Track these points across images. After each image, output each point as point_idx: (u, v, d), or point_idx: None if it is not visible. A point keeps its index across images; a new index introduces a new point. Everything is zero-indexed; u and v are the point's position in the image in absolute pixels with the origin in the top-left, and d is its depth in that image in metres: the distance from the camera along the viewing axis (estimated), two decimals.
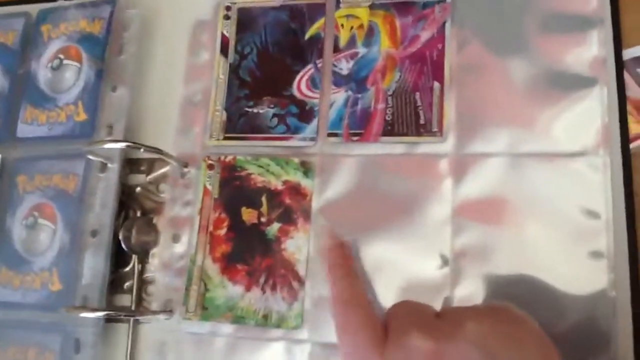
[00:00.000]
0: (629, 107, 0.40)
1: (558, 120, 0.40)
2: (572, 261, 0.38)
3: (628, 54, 0.41)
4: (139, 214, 0.46)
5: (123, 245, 0.44)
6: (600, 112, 0.39)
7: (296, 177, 0.43)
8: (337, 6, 0.46)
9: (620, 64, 0.40)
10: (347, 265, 0.38)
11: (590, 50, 0.41)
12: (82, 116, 0.48)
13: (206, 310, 0.42)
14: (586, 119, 0.40)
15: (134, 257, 0.44)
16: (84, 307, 0.42)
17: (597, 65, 0.40)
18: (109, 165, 0.46)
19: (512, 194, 0.40)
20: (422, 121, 0.42)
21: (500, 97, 0.41)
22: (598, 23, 0.41)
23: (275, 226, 0.43)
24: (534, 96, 0.41)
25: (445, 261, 0.40)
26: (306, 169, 0.43)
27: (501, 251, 0.39)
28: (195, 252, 0.44)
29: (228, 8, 0.48)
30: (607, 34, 0.41)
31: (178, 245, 0.44)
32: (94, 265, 0.43)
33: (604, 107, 0.39)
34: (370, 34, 0.45)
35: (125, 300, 0.44)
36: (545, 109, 0.40)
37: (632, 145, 0.39)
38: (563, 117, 0.40)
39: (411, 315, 0.33)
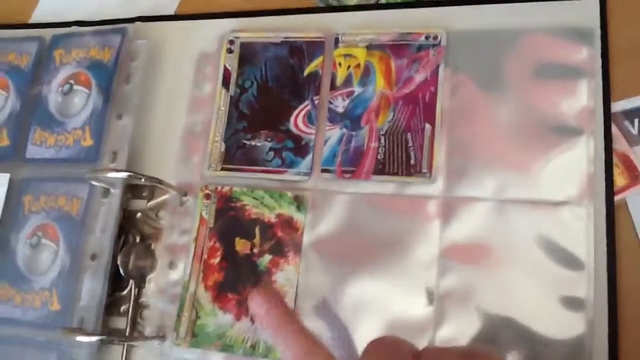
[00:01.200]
0: (615, 159, 0.40)
1: (545, 167, 0.40)
2: (552, 308, 0.38)
3: (616, 106, 0.41)
4: (138, 239, 0.47)
5: (120, 270, 0.45)
6: (586, 162, 0.40)
7: (289, 210, 0.44)
8: (336, 45, 0.47)
9: (608, 116, 0.40)
10: (295, 320, 0.33)
11: (580, 100, 0.41)
12: (89, 141, 0.49)
13: (196, 337, 0.43)
14: (572, 168, 0.40)
15: (131, 282, 0.45)
16: (80, 330, 0.43)
17: (585, 116, 0.40)
18: (112, 190, 0.47)
19: (497, 239, 0.40)
20: (412, 162, 0.43)
21: (490, 141, 0.42)
22: (588, 74, 0.41)
23: (267, 258, 0.44)
24: (522, 142, 0.41)
25: (430, 301, 0.40)
26: (299, 203, 0.44)
27: (485, 294, 0.39)
28: (188, 280, 0.44)
29: (231, 42, 0.49)
30: (597, 85, 0.41)
31: (174, 272, 0.45)
32: (91, 288, 0.44)
33: (590, 157, 0.40)
34: (367, 73, 0.45)
35: (121, 322, 0.45)
36: (533, 156, 0.41)
37: (616, 198, 0.39)
38: (550, 165, 0.40)
39: (388, 356, 0.33)
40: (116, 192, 0.46)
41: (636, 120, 0.41)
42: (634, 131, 0.40)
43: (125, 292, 0.46)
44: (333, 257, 0.42)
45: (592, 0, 0.43)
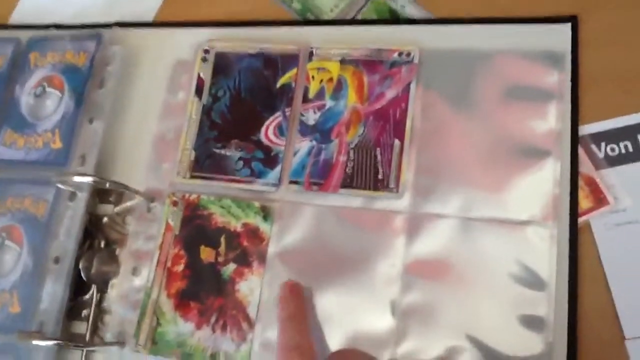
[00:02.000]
0: (581, 182, 0.40)
1: (511, 188, 0.40)
2: (513, 327, 0.38)
3: (584, 129, 0.41)
4: (103, 244, 0.46)
5: (82, 275, 0.44)
6: (552, 184, 0.40)
7: (255, 220, 0.43)
8: (310, 58, 0.46)
9: (575, 139, 0.40)
10: (299, 314, 0.39)
11: (548, 123, 0.41)
12: (58, 144, 0.48)
13: (156, 344, 0.42)
14: (538, 189, 0.40)
15: (93, 287, 0.44)
16: (38, 334, 0.42)
17: (553, 138, 0.40)
18: (78, 194, 0.46)
19: (461, 257, 0.39)
20: (380, 176, 0.42)
21: (459, 160, 0.42)
22: (558, 97, 0.41)
23: (231, 267, 0.43)
24: (490, 162, 0.41)
25: (391, 316, 0.39)
26: (266, 213, 0.43)
27: (447, 311, 0.39)
28: (151, 286, 0.43)
29: (206, 51, 0.48)
30: (566, 108, 0.41)
31: (137, 279, 0.44)
32: (53, 291, 0.43)
33: (556, 179, 0.40)
34: (339, 87, 0.45)
35: (81, 327, 0.44)
36: (500, 176, 0.41)
37: (580, 219, 0.39)
38: (516, 185, 0.40)
39: None
40: (82, 196, 0.45)
41: (603, 144, 0.41)
42: (601, 155, 0.40)
43: (87, 297, 0.45)
44: (298, 269, 0.42)
45: (564, 25, 0.43)
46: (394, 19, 0.47)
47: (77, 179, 0.43)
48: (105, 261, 0.45)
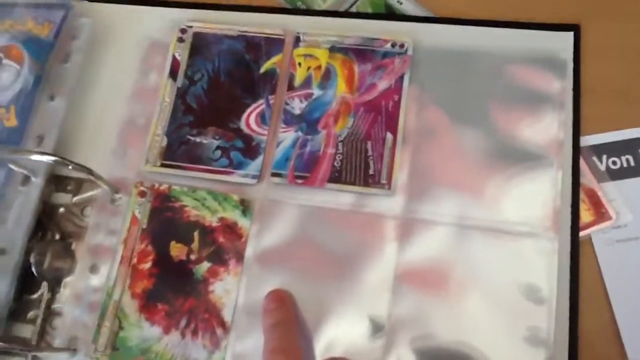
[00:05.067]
0: (582, 194, 0.36)
1: (510, 197, 0.36)
2: (509, 341, 0.33)
3: (585, 140, 0.37)
4: (57, 237, 0.39)
5: (33, 269, 0.37)
6: (553, 195, 0.36)
7: (233, 215, 0.38)
8: (297, 44, 0.41)
9: (577, 149, 0.37)
10: (287, 320, 0.34)
11: (549, 131, 0.37)
12: (13, 121, 0.41)
13: (117, 351, 0.36)
14: (539, 200, 0.36)
15: (44, 284, 0.37)
16: None
17: (554, 148, 0.37)
18: (33, 179, 0.39)
19: (456, 266, 0.35)
20: (371, 171, 0.38)
21: (454, 164, 0.37)
22: (559, 106, 0.37)
23: (205, 265, 0.37)
24: (488, 168, 0.37)
25: (380, 328, 0.34)
26: (245, 207, 0.38)
27: (439, 323, 0.34)
28: (113, 285, 0.37)
29: (183, 31, 0.43)
30: (567, 118, 0.37)
31: (95, 277, 0.37)
32: None
33: (557, 190, 0.36)
34: (327, 76, 0.40)
35: (27, 330, 0.37)
36: (499, 184, 0.36)
37: (581, 233, 0.35)
38: (516, 195, 0.36)
39: None
40: (37, 181, 0.39)
41: (604, 157, 0.37)
42: (602, 167, 0.37)
43: (35, 296, 0.38)
44: (278, 272, 0.36)
45: (567, 32, 0.39)
46: (390, 14, 0.42)
47: (35, 157, 0.36)
48: (60, 256, 0.38)
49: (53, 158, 0.36)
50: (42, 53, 0.42)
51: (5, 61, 0.43)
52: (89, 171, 0.37)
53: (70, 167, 0.37)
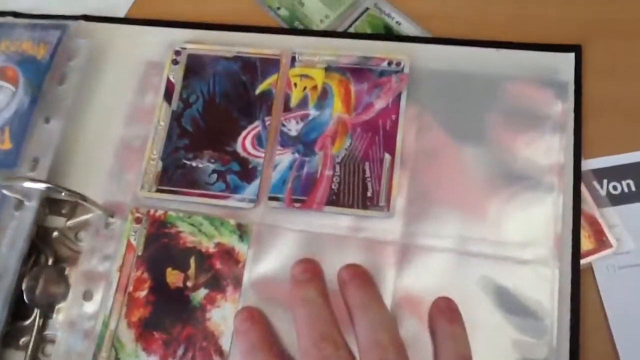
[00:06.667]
0: (582, 221, 0.35)
1: (511, 223, 0.35)
2: None
3: (586, 164, 0.36)
4: (50, 261, 0.38)
5: (25, 297, 0.36)
6: (554, 221, 0.34)
7: (230, 240, 0.36)
8: (292, 64, 0.40)
9: (578, 174, 0.35)
10: (263, 342, 0.32)
11: (550, 155, 0.36)
12: (7, 144, 0.40)
13: None
14: (540, 226, 0.34)
15: (36, 311, 0.36)
16: None
17: (555, 172, 0.35)
18: (26, 203, 0.38)
19: (454, 293, 0.33)
20: (369, 193, 0.36)
21: (454, 188, 0.36)
22: (560, 128, 0.36)
23: (202, 292, 0.36)
24: (488, 192, 0.35)
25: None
26: (242, 232, 0.37)
27: None
28: (109, 314, 0.36)
29: (177, 53, 0.41)
30: (569, 141, 0.36)
31: (89, 304, 0.36)
32: None
33: (558, 216, 0.34)
34: (324, 96, 0.39)
35: (19, 357, 0.35)
36: (499, 208, 0.35)
37: (582, 261, 0.34)
38: (516, 220, 0.35)
39: None
40: (31, 205, 0.37)
41: (605, 181, 0.36)
42: (603, 192, 0.36)
43: (28, 322, 0.36)
44: (276, 299, 0.35)
45: (568, 54, 0.38)
46: (389, 35, 0.41)
47: (27, 184, 0.35)
48: (53, 281, 0.37)
49: (45, 185, 0.35)
50: (38, 74, 0.41)
51: (0, 82, 0.42)
52: (82, 197, 0.36)
53: (63, 194, 0.35)
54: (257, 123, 0.39)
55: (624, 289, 0.34)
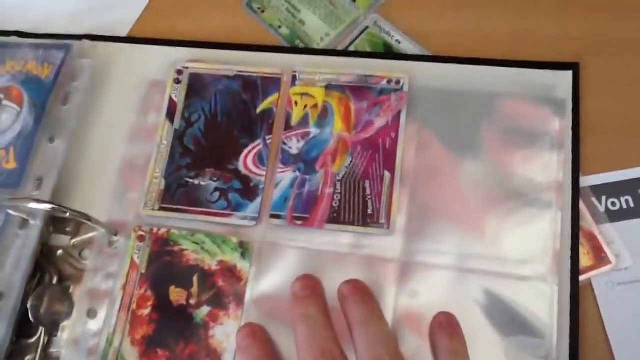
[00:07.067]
0: (581, 238, 0.35)
1: (510, 240, 0.35)
2: None
3: (585, 181, 0.36)
4: (55, 280, 0.38)
5: (30, 315, 0.36)
6: (553, 238, 0.34)
7: (233, 258, 0.37)
8: (293, 83, 0.40)
9: (576, 191, 0.35)
10: (267, 353, 0.32)
11: (549, 172, 0.36)
12: (12, 164, 0.40)
13: None
14: (539, 243, 0.34)
15: (41, 329, 0.36)
16: None
17: (553, 189, 0.35)
18: (31, 222, 0.38)
19: (454, 311, 0.33)
20: (370, 211, 0.37)
21: (454, 202, 0.36)
22: (558, 145, 0.36)
23: (205, 310, 0.36)
24: (488, 209, 0.36)
25: None
26: (244, 250, 0.37)
27: None
28: (113, 332, 0.36)
29: (179, 72, 0.42)
30: (567, 158, 0.36)
31: (93, 322, 0.36)
32: None
33: (557, 233, 0.34)
34: (324, 115, 0.39)
35: None
36: (498, 226, 0.35)
37: (581, 278, 0.34)
38: (515, 237, 0.35)
39: None
40: (35, 224, 0.37)
41: (603, 198, 0.36)
42: (601, 209, 0.36)
43: (32, 340, 0.36)
44: (278, 314, 0.35)
45: (566, 71, 0.38)
46: (388, 53, 0.41)
47: (32, 205, 0.35)
48: (57, 300, 0.37)
49: (50, 206, 0.35)
50: (42, 94, 0.41)
51: (5, 102, 0.42)
52: (86, 217, 0.36)
53: (67, 215, 0.35)
54: (258, 141, 0.39)
55: (623, 305, 0.34)
